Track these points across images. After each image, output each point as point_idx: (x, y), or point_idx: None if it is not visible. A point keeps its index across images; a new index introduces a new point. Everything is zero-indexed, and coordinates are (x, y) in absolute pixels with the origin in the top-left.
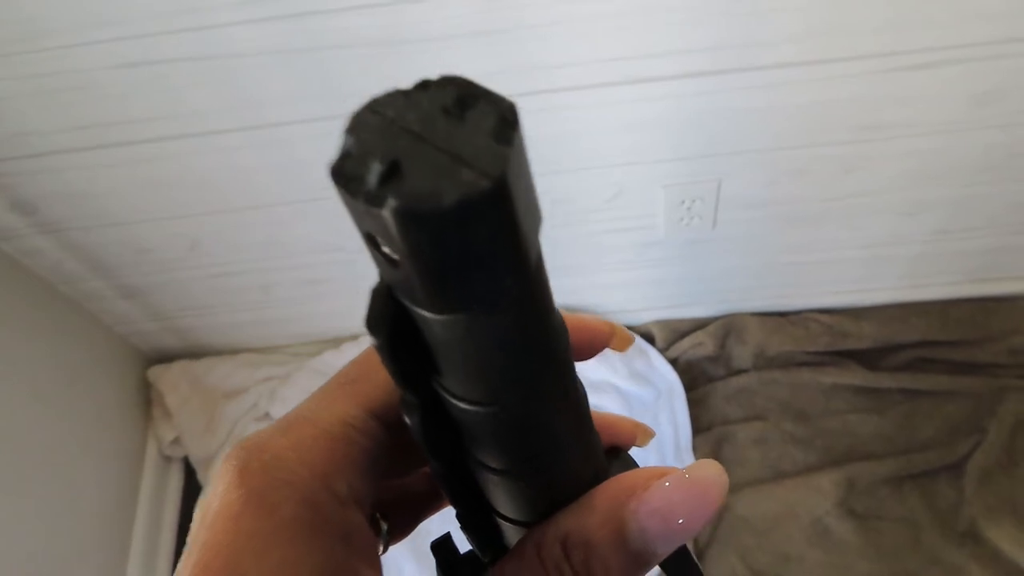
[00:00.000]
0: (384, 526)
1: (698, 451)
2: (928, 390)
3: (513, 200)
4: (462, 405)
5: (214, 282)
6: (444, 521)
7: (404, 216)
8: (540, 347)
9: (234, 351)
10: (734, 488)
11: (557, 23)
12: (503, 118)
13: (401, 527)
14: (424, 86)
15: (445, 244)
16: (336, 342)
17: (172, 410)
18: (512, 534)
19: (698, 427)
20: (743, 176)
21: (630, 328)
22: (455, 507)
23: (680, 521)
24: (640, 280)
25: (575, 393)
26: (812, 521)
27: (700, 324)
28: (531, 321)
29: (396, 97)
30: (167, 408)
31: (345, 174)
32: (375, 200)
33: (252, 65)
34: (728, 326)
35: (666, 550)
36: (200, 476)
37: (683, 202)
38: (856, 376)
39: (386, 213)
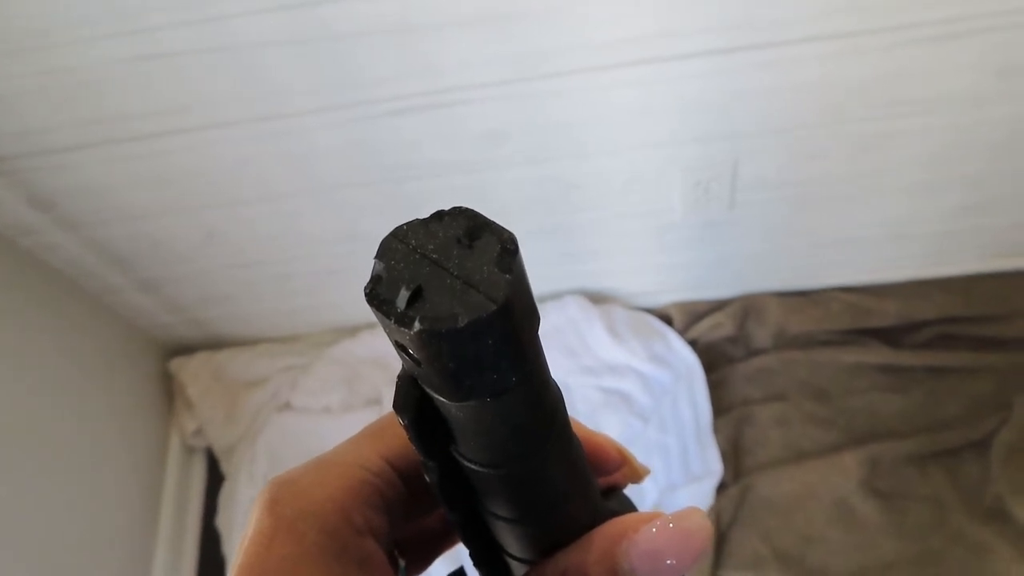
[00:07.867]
0: (402, 562)
1: (719, 433)
2: (952, 367)
3: (514, 316)
4: (475, 467)
5: (232, 273)
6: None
7: (427, 335)
8: (538, 421)
9: (254, 341)
10: (756, 469)
11: (567, 6)
12: (504, 248)
13: (418, 562)
14: (439, 216)
15: (460, 354)
16: (354, 331)
17: (194, 401)
18: (519, 570)
19: (718, 409)
20: (760, 156)
21: (649, 311)
22: (468, 548)
23: (669, 562)
24: (658, 262)
25: (572, 453)
26: (835, 501)
27: (719, 305)
28: (530, 402)
29: (416, 227)
30: (189, 399)
31: (378, 297)
32: (403, 321)
33: (265, 55)
34: (747, 307)
35: None
36: (223, 466)
37: (699, 183)
38: (878, 354)
39: (412, 333)
